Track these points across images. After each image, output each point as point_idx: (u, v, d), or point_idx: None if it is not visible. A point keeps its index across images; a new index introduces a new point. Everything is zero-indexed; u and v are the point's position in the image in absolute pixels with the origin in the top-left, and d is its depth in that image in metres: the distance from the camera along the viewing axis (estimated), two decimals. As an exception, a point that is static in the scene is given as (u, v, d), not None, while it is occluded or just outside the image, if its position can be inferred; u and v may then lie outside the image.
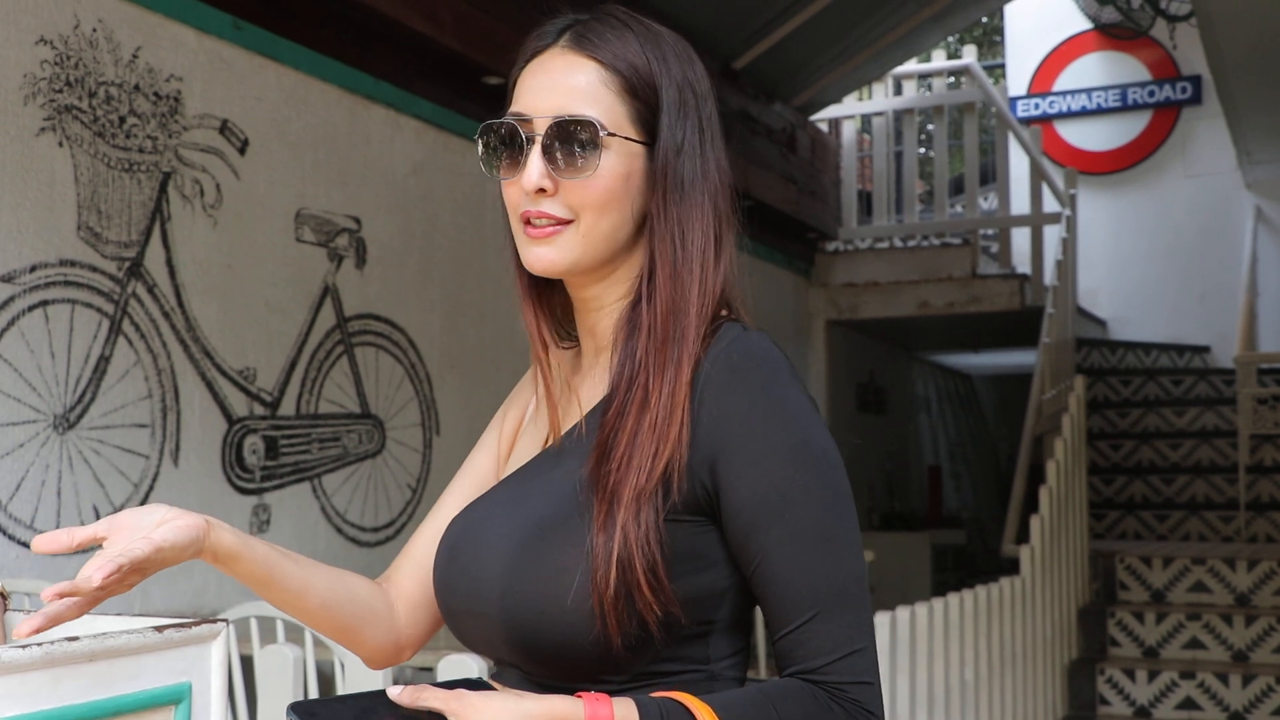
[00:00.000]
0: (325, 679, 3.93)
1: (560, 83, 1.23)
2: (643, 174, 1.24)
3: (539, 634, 1.17)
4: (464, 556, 1.27)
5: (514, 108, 1.26)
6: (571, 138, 1.21)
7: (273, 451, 4.51)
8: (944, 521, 9.09)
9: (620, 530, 1.14)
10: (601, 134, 1.21)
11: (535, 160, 1.22)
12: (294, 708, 1.13)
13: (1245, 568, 5.63)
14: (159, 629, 1.13)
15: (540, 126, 1.22)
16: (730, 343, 1.20)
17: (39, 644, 1.04)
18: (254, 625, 3.20)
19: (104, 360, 3.91)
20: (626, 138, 1.23)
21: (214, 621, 1.17)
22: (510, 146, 1.24)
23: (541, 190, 1.22)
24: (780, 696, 1.13)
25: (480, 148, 1.28)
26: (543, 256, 1.26)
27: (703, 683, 1.19)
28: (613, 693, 1.14)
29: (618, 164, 1.22)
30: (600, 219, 1.23)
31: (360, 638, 1.38)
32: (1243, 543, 6.65)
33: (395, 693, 1.11)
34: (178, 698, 1.14)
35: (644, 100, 1.24)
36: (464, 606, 1.26)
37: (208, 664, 1.17)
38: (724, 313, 1.26)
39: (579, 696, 1.12)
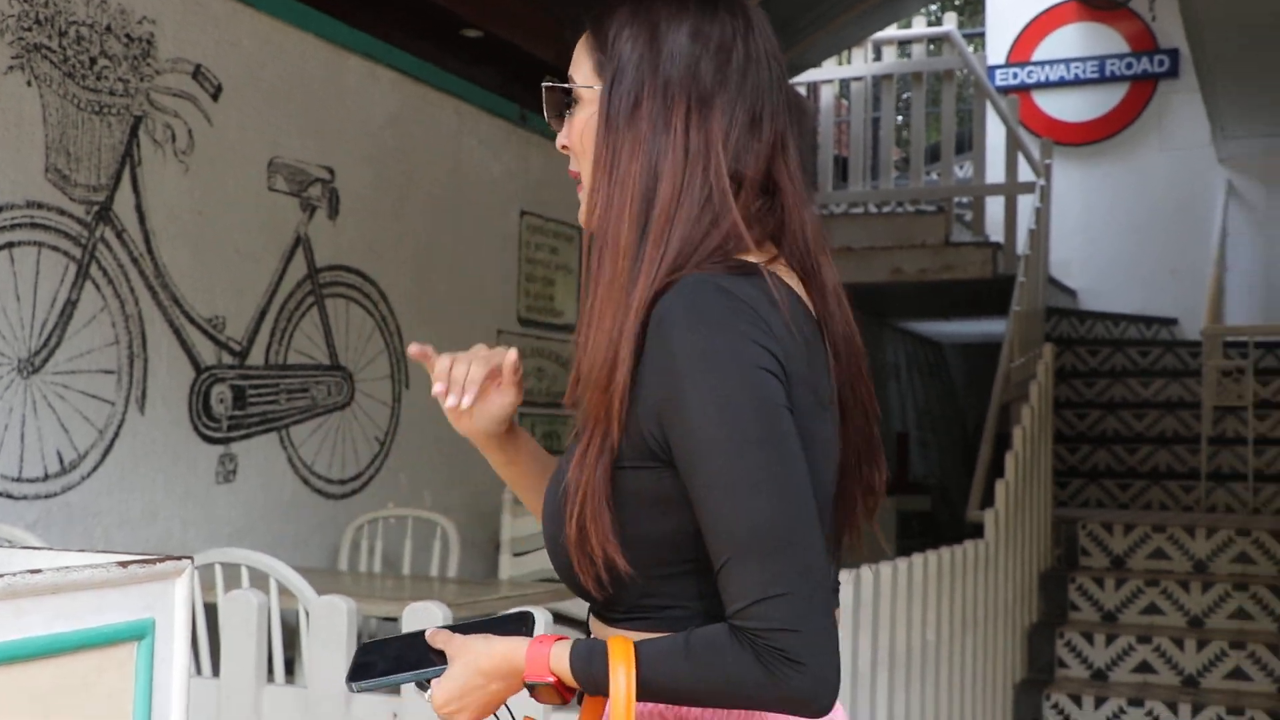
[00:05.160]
0: (289, 627, 3.92)
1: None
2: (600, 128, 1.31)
3: (556, 570, 1.33)
4: None
5: None
6: (559, 100, 1.35)
7: (240, 401, 4.48)
8: (910, 488, 9.12)
9: (575, 482, 1.23)
10: (573, 87, 1.33)
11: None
12: (362, 648, 1.30)
13: (1204, 535, 5.68)
14: (123, 564, 1.13)
15: None
16: (673, 294, 1.21)
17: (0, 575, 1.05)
18: (219, 572, 3.19)
19: (70, 305, 3.87)
20: (588, 87, 1.32)
21: (179, 559, 1.18)
22: None
23: (566, 148, 1.36)
24: (699, 640, 1.18)
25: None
26: (580, 213, 1.36)
27: (693, 619, 1.24)
28: (614, 623, 1.28)
29: (588, 113, 1.33)
30: (584, 170, 1.34)
31: None
32: (1202, 512, 6.69)
33: (429, 634, 1.29)
34: (141, 633, 1.15)
35: (602, 50, 1.31)
36: None
37: (171, 600, 1.17)
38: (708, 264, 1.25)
39: (533, 640, 1.24)
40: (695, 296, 1.20)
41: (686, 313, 1.19)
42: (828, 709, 1.16)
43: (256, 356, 4.55)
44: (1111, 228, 9.66)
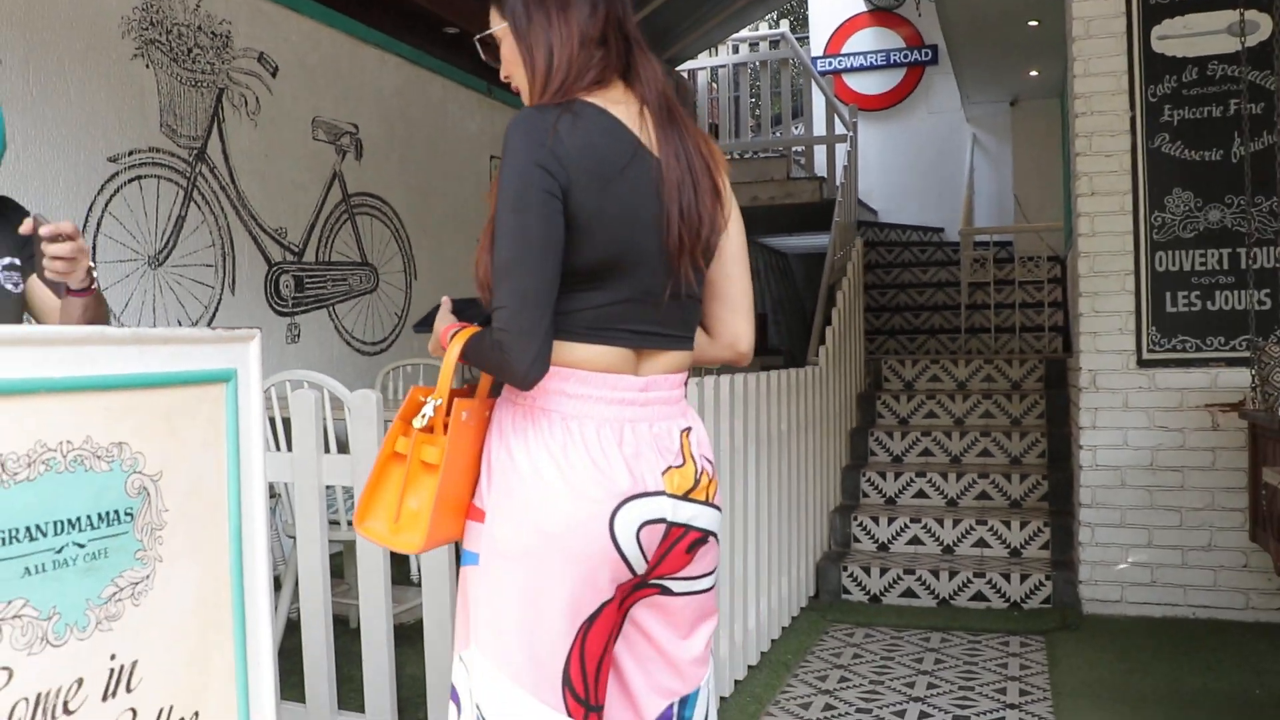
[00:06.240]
0: (340, 440, 4.02)
1: None
2: (513, 40, 1.37)
3: None
4: None
5: None
6: (492, 46, 1.41)
7: (300, 286, 4.54)
8: (769, 351, 9.34)
9: (479, 246, 1.33)
10: (493, 33, 1.39)
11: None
12: (433, 309, 1.38)
13: (963, 365, 5.94)
14: (212, 328, 1.20)
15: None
16: (514, 117, 1.29)
17: (130, 328, 1.10)
18: (289, 387, 3.25)
19: (181, 219, 3.91)
20: (501, 26, 1.38)
21: (251, 328, 1.25)
22: None
23: (508, 76, 1.41)
24: (486, 332, 1.28)
25: None
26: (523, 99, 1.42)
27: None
28: None
29: (507, 45, 1.39)
30: (515, 76, 1.40)
31: None
32: (962, 353, 6.98)
33: (443, 301, 1.42)
34: (228, 377, 1.22)
35: (500, 6, 1.38)
36: None
37: (248, 357, 1.24)
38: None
39: (450, 325, 1.37)
40: (521, 117, 1.28)
41: (513, 126, 1.27)
42: (527, 385, 1.24)
43: (310, 256, 4.60)
44: (898, 167, 9.84)
